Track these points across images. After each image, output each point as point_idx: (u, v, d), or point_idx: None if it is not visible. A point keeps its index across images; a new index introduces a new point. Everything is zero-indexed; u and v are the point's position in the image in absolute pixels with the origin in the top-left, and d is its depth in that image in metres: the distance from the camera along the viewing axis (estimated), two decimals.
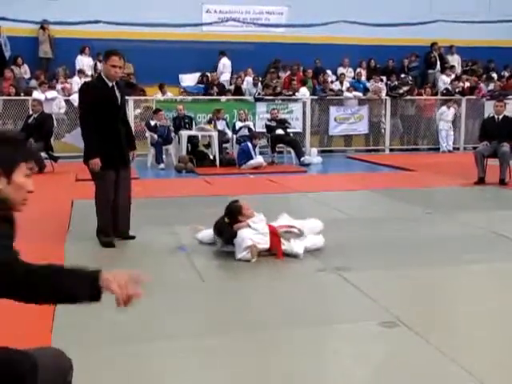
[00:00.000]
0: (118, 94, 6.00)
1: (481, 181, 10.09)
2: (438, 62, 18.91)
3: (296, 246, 5.52)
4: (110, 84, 5.92)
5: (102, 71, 6.19)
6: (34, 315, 4.12)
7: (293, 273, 5.21)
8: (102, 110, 5.85)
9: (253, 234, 5.45)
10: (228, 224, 5.64)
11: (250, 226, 5.52)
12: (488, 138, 10.31)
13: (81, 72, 15.85)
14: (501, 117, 10.45)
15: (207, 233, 5.97)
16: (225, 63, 17.43)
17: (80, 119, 6.27)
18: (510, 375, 3.31)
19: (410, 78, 17.84)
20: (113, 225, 6.15)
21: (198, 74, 17.41)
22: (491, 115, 10.95)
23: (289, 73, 17.34)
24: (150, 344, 3.71)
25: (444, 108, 16.29)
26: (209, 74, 16.95)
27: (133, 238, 6.27)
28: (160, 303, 4.48)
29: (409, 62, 18.70)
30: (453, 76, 18.17)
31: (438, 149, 16.50)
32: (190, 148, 13.23)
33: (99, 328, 3.96)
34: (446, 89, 17.43)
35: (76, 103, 14.45)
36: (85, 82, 6.44)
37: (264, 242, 5.48)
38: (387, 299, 4.46)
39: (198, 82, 17.26)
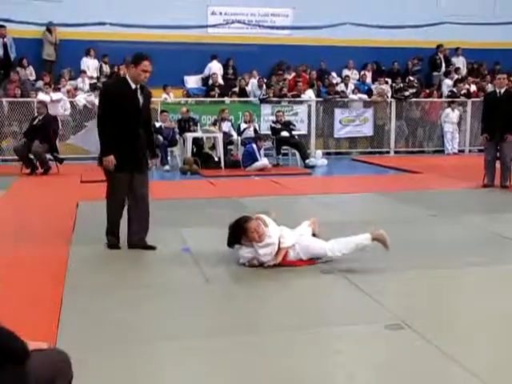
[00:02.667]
0: (140, 97, 5.83)
1: (490, 185, 10.00)
2: (444, 64, 18.87)
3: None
4: (134, 86, 5.76)
5: (127, 74, 5.93)
6: (39, 316, 4.13)
7: (298, 274, 5.19)
8: (122, 112, 5.70)
9: (252, 255, 5.31)
10: (231, 232, 5.46)
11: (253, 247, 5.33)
12: (489, 114, 10.03)
13: (83, 72, 15.89)
14: (502, 90, 10.10)
15: None
16: (211, 67, 17.30)
17: (98, 118, 6.00)
18: None
19: (416, 80, 17.81)
20: (128, 233, 6.00)
21: (199, 76, 17.42)
22: (493, 89, 10.70)
23: (293, 74, 17.33)
24: (152, 344, 3.71)
25: (448, 110, 16.26)
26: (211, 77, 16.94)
27: (153, 248, 5.97)
28: (163, 304, 4.48)
29: (412, 65, 18.66)
30: (458, 77, 18.11)
31: (443, 151, 16.47)
32: (194, 150, 13.25)
33: (104, 328, 3.96)
34: (451, 91, 17.40)
35: (81, 104, 14.55)
36: (107, 82, 6.16)
37: (264, 262, 5.32)
38: (392, 301, 4.45)
39: (203, 84, 17.28)
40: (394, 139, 16.57)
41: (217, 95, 16.06)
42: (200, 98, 16.23)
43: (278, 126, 14.08)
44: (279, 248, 5.31)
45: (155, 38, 16.64)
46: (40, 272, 5.18)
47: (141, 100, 5.84)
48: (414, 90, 16.90)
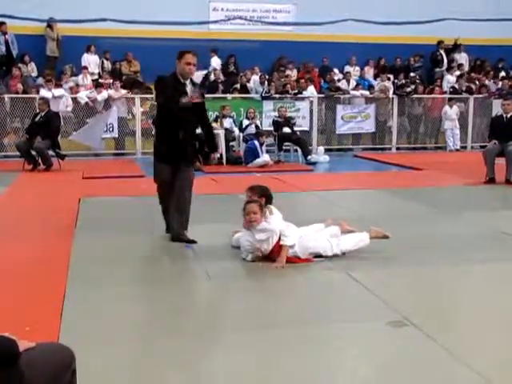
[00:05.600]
0: (189, 91, 6.00)
1: (491, 181, 10.04)
2: (445, 61, 18.83)
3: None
4: (183, 81, 6.00)
5: (177, 70, 6.12)
6: (42, 311, 4.13)
7: (300, 271, 5.18)
8: (171, 106, 5.89)
9: (250, 245, 5.29)
10: None
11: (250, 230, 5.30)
12: (496, 136, 10.27)
13: (84, 69, 15.86)
14: (509, 115, 10.39)
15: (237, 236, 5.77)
16: (217, 62, 17.31)
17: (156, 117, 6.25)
18: None
19: (417, 76, 17.78)
20: (166, 225, 6.26)
21: (204, 72, 17.38)
22: (499, 114, 10.91)
23: (295, 72, 17.28)
24: (152, 341, 3.71)
25: (446, 107, 16.21)
26: (213, 72, 16.91)
27: (194, 242, 6.00)
28: (165, 300, 4.47)
29: (413, 61, 18.62)
30: (461, 73, 18.08)
31: (445, 147, 16.45)
32: (197, 146, 13.19)
33: (105, 324, 3.96)
34: (453, 87, 17.36)
35: (83, 101, 14.54)
36: (159, 77, 6.23)
37: (262, 251, 5.29)
38: (395, 298, 4.44)
39: (203, 81, 17.24)
40: (395, 136, 16.55)
41: (221, 91, 16.01)
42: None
43: (281, 120, 14.05)
44: (280, 245, 5.24)
45: (156, 34, 16.62)
46: (42, 267, 5.18)
47: (189, 94, 5.99)
48: (415, 86, 16.86)
